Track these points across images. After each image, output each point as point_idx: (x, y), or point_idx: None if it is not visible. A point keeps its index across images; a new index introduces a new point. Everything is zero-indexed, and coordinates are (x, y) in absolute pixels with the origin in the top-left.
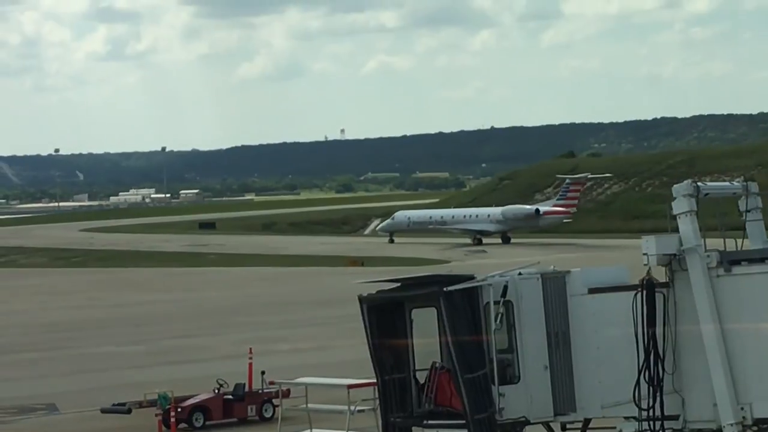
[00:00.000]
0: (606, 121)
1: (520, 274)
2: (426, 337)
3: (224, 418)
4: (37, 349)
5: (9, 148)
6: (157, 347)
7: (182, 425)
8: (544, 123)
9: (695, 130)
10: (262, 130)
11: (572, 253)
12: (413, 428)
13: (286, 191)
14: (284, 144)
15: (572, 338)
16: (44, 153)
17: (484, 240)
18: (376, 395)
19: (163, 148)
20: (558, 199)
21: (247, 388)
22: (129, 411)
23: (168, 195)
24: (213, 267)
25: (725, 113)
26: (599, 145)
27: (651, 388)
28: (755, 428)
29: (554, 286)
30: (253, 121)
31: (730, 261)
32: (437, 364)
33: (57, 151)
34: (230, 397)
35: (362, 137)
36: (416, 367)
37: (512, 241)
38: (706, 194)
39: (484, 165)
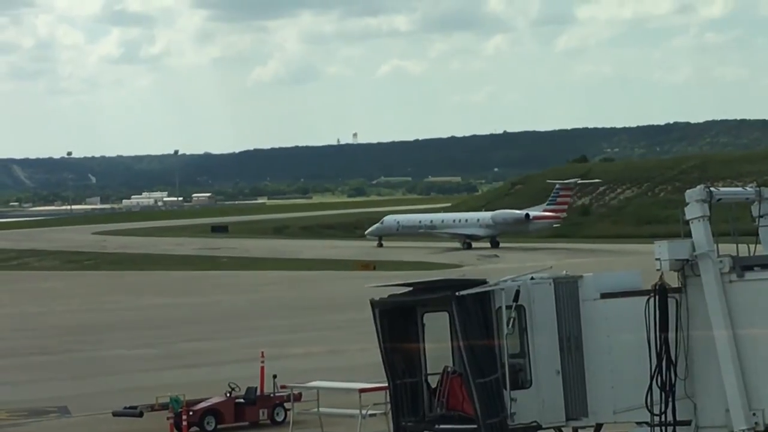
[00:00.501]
0: (619, 126)
1: (532, 278)
2: (438, 341)
3: (236, 421)
4: (49, 351)
5: (22, 150)
6: (169, 350)
7: (194, 429)
8: (557, 128)
9: (708, 136)
10: (274, 134)
11: (585, 258)
12: None
13: (299, 195)
14: (297, 148)
15: (584, 343)
16: (57, 156)
17: (474, 244)
18: (388, 399)
19: (176, 152)
20: (548, 205)
21: (258, 392)
22: (141, 414)
23: (180, 198)
24: (225, 270)
25: (738, 118)
26: (612, 150)
27: (663, 394)
28: None
29: (566, 290)
30: (266, 124)
31: (742, 266)
32: (449, 369)
33: (70, 153)
34: (242, 400)
35: (375, 141)
36: (428, 372)
37: (529, 246)
38: (719, 199)
39: (496, 169)
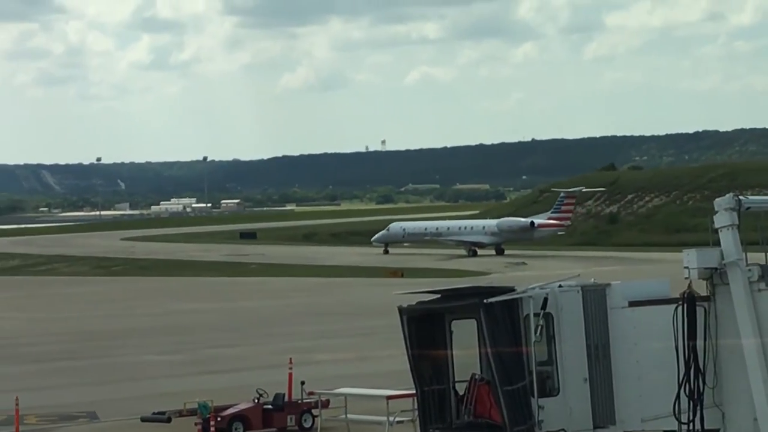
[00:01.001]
0: (647, 134)
1: (560, 286)
2: (465, 348)
3: (263, 427)
4: (78, 357)
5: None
6: (197, 356)
7: None
8: (586, 135)
9: (737, 144)
10: (303, 141)
11: (613, 266)
12: None
13: (327, 202)
14: (325, 155)
15: (612, 351)
16: (86, 162)
17: (479, 251)
18: (415, 406)
19: (205, 158)
20: (552, 212)
21: (286, 398)
22: (169, 420)
23: (209, 205)
24: (254, 277)
25: (767, 127)
26: (640, 158)
27: (691, 402)
28: None
29: (594, 298)
30: (295, 131)
31: None
32: (477, 376)
33: (99, 160)
34: (270, 406)
35: (403, 148)
36: (455, 379)
37: (551, 255)
38: (748, 208)
39: (524, 177)
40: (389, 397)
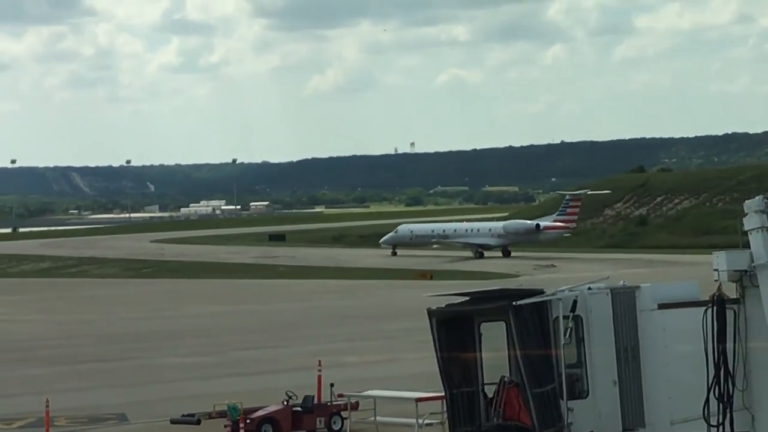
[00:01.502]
0: (677, 136)
1: (589, 288)
2: (495, 350)
3: (293, 430)
4: (108, 359)
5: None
6: (227, 358)
7: None
8: (615, 138)
9: (766, 146)
10: (332, 143)
11: (642, 269)
12: None
13: (356, 204)
14: (354, 157)
15: (641, 353)
16: (116, 164)
17: (486, 254)
18: (445, 409)
19: (234, 160)
20: (558, 215)
21: (316, 401)
22: (198, 422)
23: (238, 207)
24: (283, 279)
25: None
26: (669, 160)
27: (721, 405)
28: None
29: (624, 301)
30: (324, 133)
31: None
32: (506, 378)
33: (129, 162)
34: (299, 409)
35: (432, 150)
36: (485, 381)
37: (580, 257)
38: None
39: (553, 179)
40: (418, 400)
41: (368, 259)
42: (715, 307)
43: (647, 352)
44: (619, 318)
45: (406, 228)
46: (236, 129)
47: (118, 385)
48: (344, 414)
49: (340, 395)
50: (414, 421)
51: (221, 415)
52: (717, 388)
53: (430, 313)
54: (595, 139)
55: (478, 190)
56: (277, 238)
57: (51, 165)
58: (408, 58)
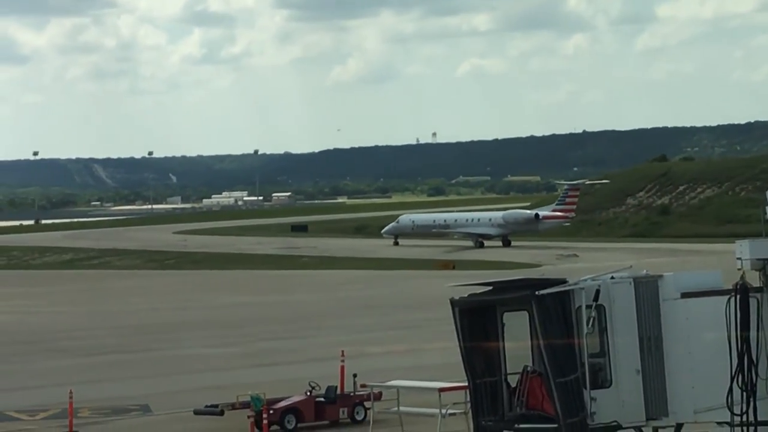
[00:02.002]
0: (699, 124)
1: (612, 278)
2: (518, 340)
3: (316, 420)
4: (131, 350)
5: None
6: (250, 349)
7: (274, 427)
8: (637, 127)
9: None
10: (354, 133)
11: (665, 258)
12: None
13: (378, 194)
14: (376, 147)
15: (664, 343)
16: (138, 155)
17: (486, 243)
18: (468, 399)
19: (256, 151)
20: (557, 205)
21: (339, 391)
22: (221, 413)
23: (260, 198)
24: (305, 270)
25: None
26: (692, 149)
27: (744, 394)
28: None
29: (647, 290)
30: (346, 124)
31: None
32: (529, 368)
33: (151, 153)
34: (322, 399)
35: (454, 140)
36: (508, 371)
37: (602, 246)
38: None
39: (575, 169)
40: (441, 390)
41: (390, 250)
42: (738, 296)
43: (670, 341)
44: (642, 307)
45: (407, 218)
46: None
47: (142, 376)
48: (367, 404)
49: (363, 385)
50: (437, 411)
51: (244, 405)
52: (740, 376)
53: (453, 302)
54: (617, 128)
55: (500, 180)
56: (300, 229)
57: (73, 157)
58: (429, 48)
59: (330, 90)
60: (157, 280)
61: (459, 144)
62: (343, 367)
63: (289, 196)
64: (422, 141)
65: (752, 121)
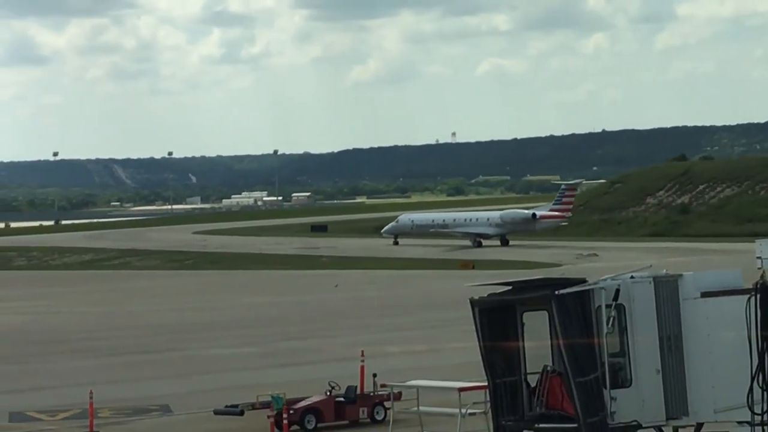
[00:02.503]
0: (719, 123)
1: (632, 277)
2: (537, 340)
3: (336, 420)
4: (151, 350)
5: (123, 150)
6: (269, 349)
7: (294, 427)
8: (656, 126)
9: None
10: (373, 133)
11: (684, 257)
12: (524, 431)
13: (397, 194)
14: (395, 147)
15: (685, 342)
16: (158, 156)
17: (484, 242)
18: (488, 398)
19: (275, 152)
20: (554, 204)
21: (358, 391)
22: (241, 413)
23: (280, 198)
24: (325, 270)
25: None
26: (711, 148)
27: (765, 393)
28: None
29: (667, 289)
30: (365, 124)
31: None
32: (549, 368)
33: (170, 154)
34: (342, 399)
35: (473, 140)
36: (527, 371)
37: (622, 246)
38: None
39: (595, 168)
40: (461, 389)
41: (410, 249)
42: (758, 295)
43: (690, 341)
44: (662, 306)
45: (406, 218)
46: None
47: (162, 376)
48: (387, 404)
49: (383, 385)
50: (457, 411)
51: (264, 405)
52: (761, 375)
53: (473, 302)
54: (636, 128)
55: (520, 179)
56: (319, 229)
57: (93, 157)
58: (449, 48)
59: (349, 90)
60: (177, 280)
61: (478, 144)
62: (362, 367)
63: (308, 197)
64: (442, 141)
65: None
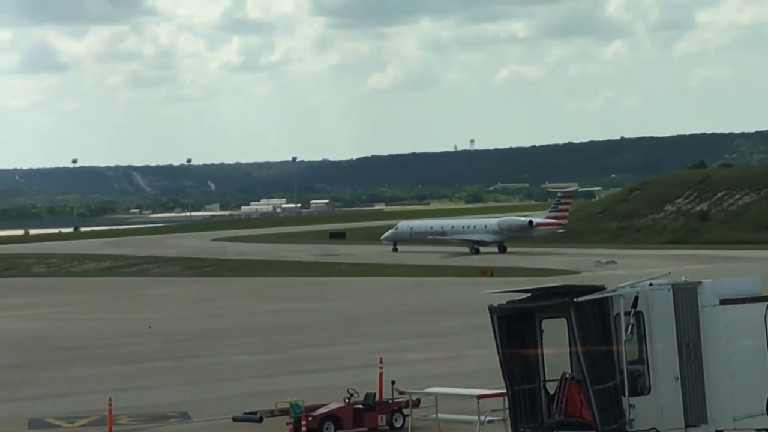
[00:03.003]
0: (737, 131)
1: (651, 284)
2: (556, 347)
3: (354, 427)
4: (170, 357)
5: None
6: (288, 356)
7: None
8: (675, 133)
9: None
10: (392, 141)
11: (703, 264)
12: None
13: (416, 201)
14: (414, 154)
15: (703, 349)
16: (177, 163)
17: (482, 249)
18: (506, 405)
19: (294, 158)
20: (550, 211)
21: (377, 398)
22: (260, 420)
23: (298, 205)
24: (344, 277)
25: None
26: (730, 155)
27: None
28: None
29: (685, 297)
30: (384, 131)
31: None
32: (567, 375)
33: (189, 161)
34: (361, 406)
35: (492, 147)
36: (546, 378)
37: (642, 253)
38: None
39: (613, 175)
40: (480, 397)
41: (428, 256)
42: None
43: (709, 348)
44: (680, 314)
45: (405, 225)
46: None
47: (181, 383)
48: (406, 411)
49: (402, 392)
50: (476, 418)
51: (283, 412)
52: None
53: (492, 309)
54: (655, 135)
55: (538, 186)
56: (338, 236)
57: (112, 164)
58: (467, 55)
59: (368, 97)
60: (196, 287)
61: (497, 151)
62: (381, 374)
63: (327, 203)
64: (460, 148)
65: None
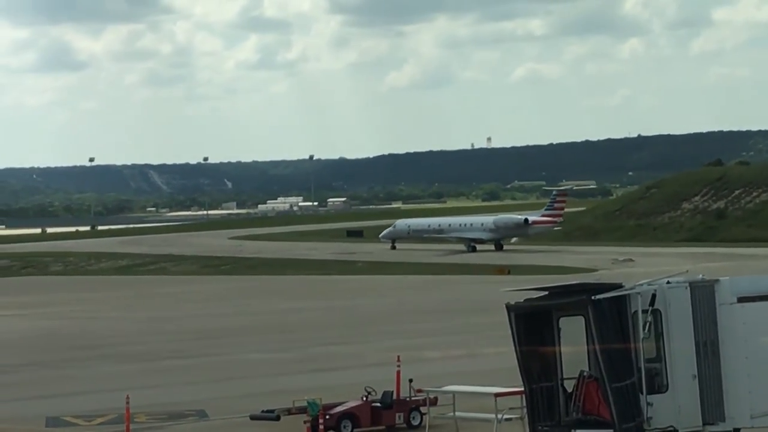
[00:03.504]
0: (755, 128)
1: (668, 282)
2: (574, 345)
3: (372, 425)
4: (187, 355)
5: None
6: (305, 354)
7: None
8: (692, 131)
9: None
10: (409, 139)
11: (721, 262)
12: None
13: (433, 199)
14: (431, 152)
15: (721, 347)
16: (193, 161)
17: (478, 247)
18: (524, 403)
19: (311, 157)
20: (546, 210)
21: (395, 396)
22: (278, 418)
23: (315, 203)
24: (361, 275)
25: None
26: (747, 153)
27: None
28: None
29: (703, 294)
30: (401, 129)
31: None
32: (585, 373)
33: (206, 159)
34: (378, 404)
35: (509, 145)
36: (564, 376)
37: (659, 251)
38: None
39: (630, 173)
40: (497, 395)
41: (445, 255)
42: None
43: (727, 346)
44: (698, 312)
45: (403, 223)
46: (313, 125)
47: (198, 381)
48: (423, 409)
49: (419, 390)
50: (493, 416)
51: (301, 410)
52: None
53: (509, 307)
54: (672, 133)
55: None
56: (355, 234)
57: (129, 163)
58: (484, 53)
59: (385, 95)
60: (213, 285)
61: (514, 149)
62: (398, 372)
63: (344, 202)
64: (477, 146)
65: None
